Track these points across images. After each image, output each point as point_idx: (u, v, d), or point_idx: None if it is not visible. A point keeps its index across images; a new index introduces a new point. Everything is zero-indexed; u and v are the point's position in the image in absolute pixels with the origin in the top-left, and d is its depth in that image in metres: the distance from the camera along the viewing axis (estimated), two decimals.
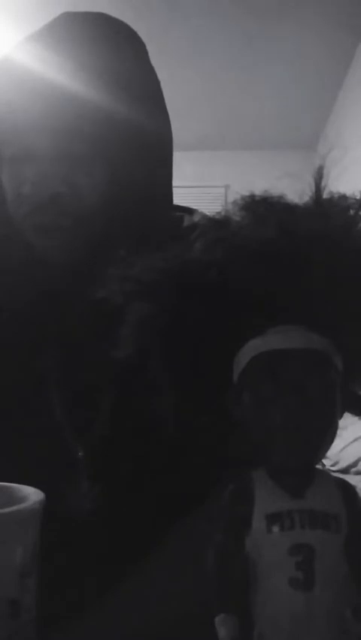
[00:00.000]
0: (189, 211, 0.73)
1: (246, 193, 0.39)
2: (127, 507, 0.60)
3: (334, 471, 2.11)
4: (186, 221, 0.70)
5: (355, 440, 2.19)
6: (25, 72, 0.63)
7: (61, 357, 0.63)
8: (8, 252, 0.66)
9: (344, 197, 0.39)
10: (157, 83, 0.70)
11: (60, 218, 0.62)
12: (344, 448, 2.21)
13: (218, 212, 0.40)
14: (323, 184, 0.39)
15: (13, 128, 0.62)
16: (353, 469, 2.21)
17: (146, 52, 0.69)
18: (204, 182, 4.19)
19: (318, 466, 0.36)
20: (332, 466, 2.23)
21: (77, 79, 0.62)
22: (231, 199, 0.39)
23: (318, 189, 0.39)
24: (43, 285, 0.63)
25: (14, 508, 0.36)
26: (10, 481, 0.41)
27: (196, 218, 0.71)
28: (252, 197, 0.38)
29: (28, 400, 0.64)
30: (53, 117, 0.61)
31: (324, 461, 1.94)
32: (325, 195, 0.39)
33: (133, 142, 0.64)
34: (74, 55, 0.63)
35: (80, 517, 0.60)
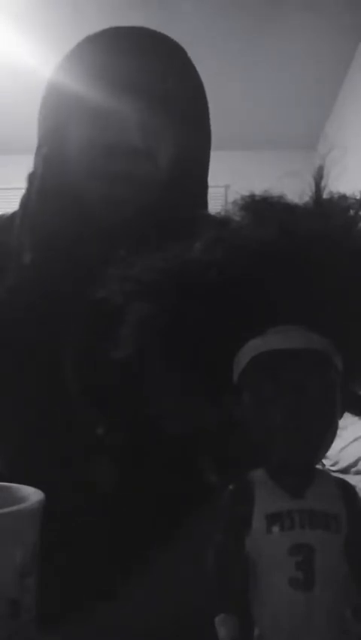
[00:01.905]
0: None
1: (246, 193, 0.39)
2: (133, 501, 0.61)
3: (334, 471, 2.11)
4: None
5: (355, 440, 2.19)
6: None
7: (82, 334, 0.64)
8: (61, 210, 0.67)
9: (344, 197, 0.39)
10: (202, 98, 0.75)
11: (132, 168, 0.65)
12: (344, 448, 2.21)
13: (218, 212, 0.40)
14: (323, 184, 0.39)
15: (97, 90, 0.66)
16: (353, 469, 2.21)
17: (192, 65, 0.74)
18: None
19: (318, 466, 0.36)
20: (332, 466, 2.23)
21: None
22: (231, 199, 0.39)
23: (318, 189, 0.39)
24: (84, 248, 0.65)
25: (14, 508, 0.37)
26: (32, 462, 0.41)
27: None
28: (252, 197, 0.38)
29: (48, 380, 0.65)
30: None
31: (324, 461, 1.94)
32: (325, 195, 0.39)
33: (188, 134, 0.70)
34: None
35: (106, 496, 0.61)
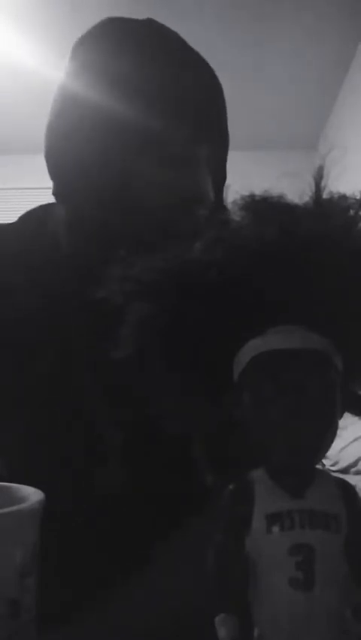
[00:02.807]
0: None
1: (246, 193, 0.39)
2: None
3: (334, 471, 2.11)
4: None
5: (355, 440, 2.19)
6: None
7: (94, 334, 0.65)
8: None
9: (344, 197, 0.39)
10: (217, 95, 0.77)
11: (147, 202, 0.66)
12: (344, 448, 2.21)
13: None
14: (323, 184, 0.39)
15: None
16: (353, 469, 2.21)
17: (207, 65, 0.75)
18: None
19: (318, 466, 0.36)
20: (332, 466, 2.23)
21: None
22: (231, 199, 0.39)
23: (318, 189, 0.39)
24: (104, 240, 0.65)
25: (14, 508, 0.36)
26: (32, 462, 0.41)
27: None
28: (252, 197, 0.38)
29: (60, 380, 0.66)
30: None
31: (324, 461, 1.94)
32: (325, 195, 0.39)
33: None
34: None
35: (106, 496, 0.61)
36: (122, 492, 0.62)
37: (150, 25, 0.72)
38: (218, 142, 0.76)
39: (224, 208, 0.75)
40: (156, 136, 0.67)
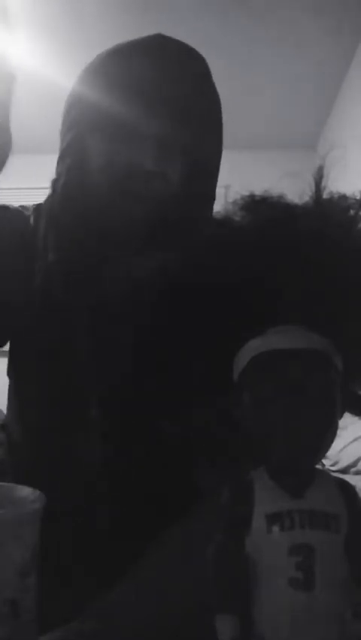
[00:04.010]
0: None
1: (246, 193, 0.39)
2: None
3: (334, 471, 2.11)
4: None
5: (355, 440, 2.19)
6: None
7: (90, 321, 0.68)
8: (81, 216, 0.72)
9: (344, 197, 0.39)
10: (218, 107, 0.80)
11: (146, 189, 0.69)
12: (344, 448, 2.21)
13: (218, 212, 0.40)
14: (323, 184, 0.39)
15: (117, 109, 0.70)
16: (353, 469, 2.21)
17: (211, 81, 0.79)
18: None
19: (318, 466, 0.36)
20: (332, 466, 2.23)
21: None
22: (231, 199, 0.39)
23: (318, 189, 0.39)
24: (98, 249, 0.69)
25: (14, 509, 0.37)
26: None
27: None
28: (252, 197, 0.38)
29: (51, 360, 0.69)
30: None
31: (324, 461, 1.93)
32: (325, 195, 0.39)
33: (199, 153, 0.75)
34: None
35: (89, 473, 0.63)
36: (121, 492, 0.62)
37: (161, 39, 0.75)
38: (212, 150, 0.80)
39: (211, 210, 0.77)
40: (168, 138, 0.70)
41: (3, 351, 0.76)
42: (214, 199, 0.79)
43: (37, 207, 0.79)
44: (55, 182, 0.75)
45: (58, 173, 0.74)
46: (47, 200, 0.77)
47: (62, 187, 0.73)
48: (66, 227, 0.73)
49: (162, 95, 0.70)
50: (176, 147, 0.71)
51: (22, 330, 0.73)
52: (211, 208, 0.79)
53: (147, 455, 0.63)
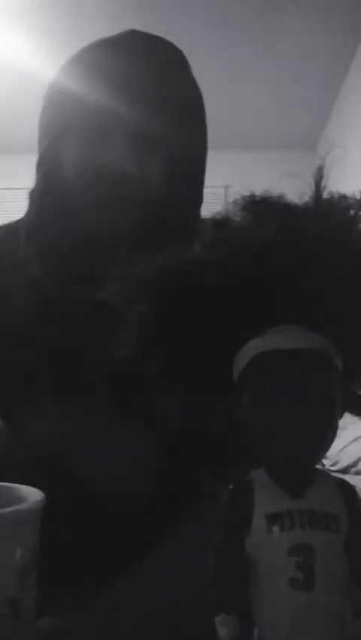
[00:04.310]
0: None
1: (246, 193, 0.39)
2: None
3: (334, 471, 2.11)
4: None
5: (355, 440, 2.19)
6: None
7: (95, 332, 0.65)
8: (60, 225, 0.69)
9: (344, 197, 0.39)
10: (201, 101, 0.75)
11: (124, 192, 0.66)
12: (344, 448, 2.21)
13: (218, 212, 0.40)
14: (323, 184, 0.39)
15: (91, 109, 0.66)
16: (353, 469, 2.21)
17: (191, 74, 0.75)
18: (205, 182, 4.19)
19: (318, 466, 0.36)
20: (332, 466, 2.23)
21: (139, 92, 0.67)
22: (231, 199, 0.39)
23: (318, 189, 0.39)
24: (85, 260, 0.65)
25: (14, 508, 0.37)
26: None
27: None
28: (252, 197, 0.38)
29: (63, 368, 0.67)
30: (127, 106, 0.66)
31: (324, 461, 1.94)
32: (325, 195, 0.39)
33: (181, 149, 0.70)
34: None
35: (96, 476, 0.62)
36: (121, 492, 0.62)
37: (137, 34, 0.73)
38: (196, 145, 0.75)
39: (199, 211, 0.74)
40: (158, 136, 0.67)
41: None
42: (202, 199, 0.76)
43: (16, 223, 0.75)
44: (32, 193, 0.71)
45: (35, 183, 0.71)
46: (26, 213, 0.74)
47: (37, 198, 0.70)
48: (44, 240, 0.69)
49: (134, 86, 0.66)
50: (155, 141, 0.67)
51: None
52: (199, 209, 0.76)
53: (146, 455, 0.63)
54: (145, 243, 0.39)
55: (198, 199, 0.76)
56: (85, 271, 0.63)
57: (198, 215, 0.75)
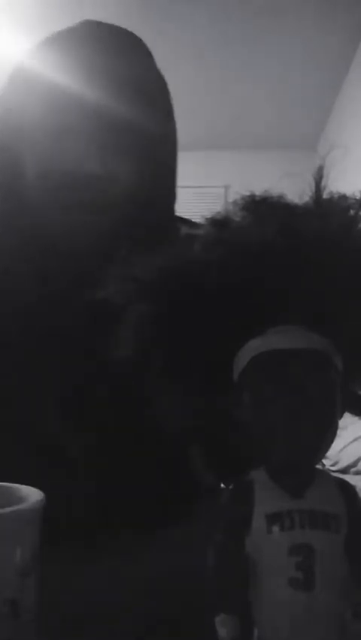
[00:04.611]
0: (192, 224, 0.73)
1: (246, 193, 0.39)
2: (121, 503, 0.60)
3: (334, 471, 2.11)
4: (183, 231, 0.70)
5: (355, 440, 2.19)
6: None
7: (58, 355, 0.63)
8: (20, 239, 0.64)
9: (344, 197, 0.39)
10: (167, 89, 0.71)
11: (91, 196, 0.61)
12: (344, 448, 2.21)
13: (218, 212, 0.40)
14: (323, 184, 0.39)
15: (51, 109, 0.63)
16: (353, 469, 2.21)
17: (153, 60, 0.71)
18: (204, 182, 4.19)
19: (318, 466, 0.36)
20: (332, 466, 2.24)
21: (102, 79, 0.63)
22: (231, 199, 0.39)
23: (318, 189, 0.39)
24: (47, 272, 0.63)
25: (14, 508, 0.37)
26: (7, 479, 0.41)
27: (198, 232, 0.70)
28: (252, 197, 0.38)
29: (24, 400, 0.64)
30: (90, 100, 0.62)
31: (324, 461, 1.94)
32: (325, 195, 0.39)
33: (151, 141, 0.66)
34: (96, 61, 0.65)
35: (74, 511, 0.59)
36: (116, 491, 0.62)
37: (93, 24, 0.70)
38: (165, 143, 0.71)
39: (172, 215, 0.71)
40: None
41: None
42: (175, 196, 0.72)
43: None
44: None
45: None
46: None
47: None
48: (8, 253, 0.64)
49: (93, 74, 0.62)
50: (122, 134, 0.62)
51: None
52: (173, 206, 0.72)
53: (145, 454, 0.63)
54: (110, 258, 0.38)
55: (172, 196, 0.72)
56: (47, 277, 0.62)
57: (173, 212, 0.73)
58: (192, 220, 0.73)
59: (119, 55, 0.66)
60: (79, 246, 0.63)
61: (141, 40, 0.69)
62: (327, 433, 0.35)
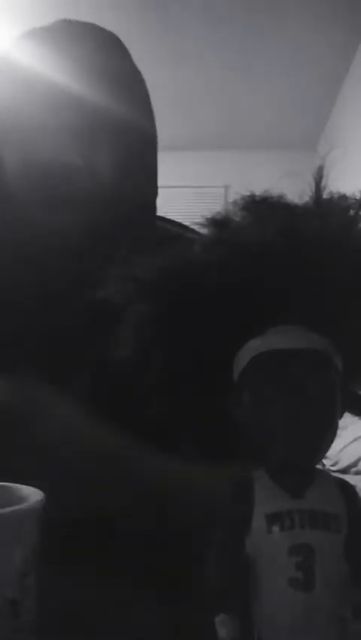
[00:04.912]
0: (179, 224, 0.73)
1: (246, 193, 0.39)
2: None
3: (334, 471, 2.11)
4: (174, 232, 0.70)
5: (355, 440, 2.19)
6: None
7: (47, 353, 0.62)
8: (6, 231, 0.64)
9: (344, 197, 0.39)
10: (144, 84, 0.71)
11: (72, 189, 0.61)
12: (344, 448, 2.21)
13: (218, 212, 0.40)
14: (323, 184, 0.39)
15: (29, 103, 0.63)
16: (353, 469, 2.21)
17: (130, 55, 0.70)
18: (204, 182, 4.20)
19: (318, 466, 0.36)
20: (332, 466, 2.24)
21: (79, 73, 0.63)
22: (231, 199, 0.39)
23: (318, 189, 0.39)
24: (36, 270, 0.63)
25: (14, 508, 0.37)
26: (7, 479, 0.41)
27: (188, 234, 0.70)
28: (252, 197, 0.38)
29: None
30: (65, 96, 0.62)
31: (324, 461, 1.94)
32: (325, 195, 0.39)
33: (129, 133, 0.65)
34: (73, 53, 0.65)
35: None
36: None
37: (65, 23, 0.70)
38: (144, 139, 0.70)
39: (154, 212, 0.71)
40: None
41: None
42: (156, 192, 0.71)
43: None
44: None
45: None
46: None
47: None
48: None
49: (72, 66, 0.62)
50: (100, 125, 0.62)
51: None
52: (154, 203, 0.71)
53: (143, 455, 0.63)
54: (89, 255, 0.38)
55: (153, 192, 0.71)
56: (36, 277, 0.61)
57: (154, 209, 0.72)
58: (175, 220, 0.73)
59: (96, 48, 0.66)
60: (67, 243, 0.63)
61: (116, 36, 0.69)
62: (327, 433, 0.35)
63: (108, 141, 0.63)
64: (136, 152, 0.66)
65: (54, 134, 0.61)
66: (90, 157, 0.61)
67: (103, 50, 0.67)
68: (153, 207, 0.72)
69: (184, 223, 0.73)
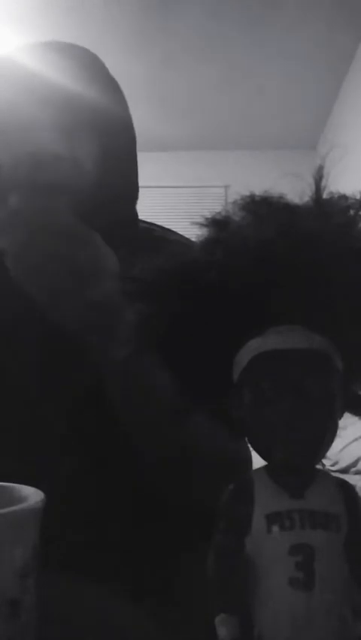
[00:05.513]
0: (163, 229, 0.74)
1: (246, 193, 0.39)
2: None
3: (334, 471, 2.11)
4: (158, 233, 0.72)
5: (355, 440, 2.19)
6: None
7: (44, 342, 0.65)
8: None
9: (344, 197, 0.39)
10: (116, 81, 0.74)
11: (59, 176, 0.62)
12: (344, 448, 2.21)
13: (218, 212, 0.40)
14: (323, 184, 0.39)
15: (15, 92, 0.66)
16: (353, 469, 2.21)
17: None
18: (204, 182, 4.20)
19: (318, 466, 0.36)
20: (332, 466, 2.24)
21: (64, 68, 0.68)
22: (231, 199, 0.39)
23: (318, 189, 0.39)
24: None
25: (14, 508, 0.36)
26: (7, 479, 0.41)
27: (171, 236, 0.72)
28: (252, 197, 0.38)
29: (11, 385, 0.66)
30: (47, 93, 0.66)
31: (324, 461, 1.93)
32: (325, 195, 0.39)
33: (111, 124, 0.70)
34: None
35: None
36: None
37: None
38: (122, 136, 0.74)
39: (134, 205, 0.72)
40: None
41: None
42: (137, 191, 0.74)
43: None
44: None
45: None
46: None
47: None
48: None
49: (53, 56, 0.66)
50: (83, 115, 0.65)
51: None
52: (135, 201, 0.73)
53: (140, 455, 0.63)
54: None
55: (134, 191, 0.73)
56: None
57: (134, 207, 0.74)
58: (152, 222, 0.75)
59: (73, 46, 0.71)
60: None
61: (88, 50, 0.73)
62: (327, 433, 0.35)
63: (92, 131, 0.66)
64: (117, 145, 0.70)
65: (42, 130, 0.64)
66: (73, 150, 0.65)
67: (78, 48, 0.71)
68: (134, 205, 0.74)
69: (183, 223, 0.75)
